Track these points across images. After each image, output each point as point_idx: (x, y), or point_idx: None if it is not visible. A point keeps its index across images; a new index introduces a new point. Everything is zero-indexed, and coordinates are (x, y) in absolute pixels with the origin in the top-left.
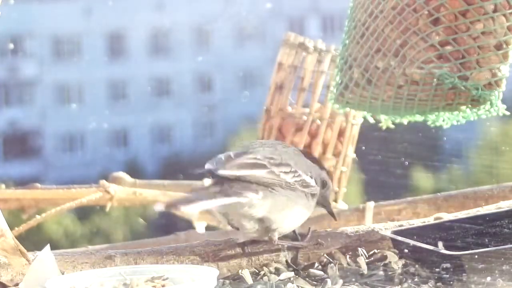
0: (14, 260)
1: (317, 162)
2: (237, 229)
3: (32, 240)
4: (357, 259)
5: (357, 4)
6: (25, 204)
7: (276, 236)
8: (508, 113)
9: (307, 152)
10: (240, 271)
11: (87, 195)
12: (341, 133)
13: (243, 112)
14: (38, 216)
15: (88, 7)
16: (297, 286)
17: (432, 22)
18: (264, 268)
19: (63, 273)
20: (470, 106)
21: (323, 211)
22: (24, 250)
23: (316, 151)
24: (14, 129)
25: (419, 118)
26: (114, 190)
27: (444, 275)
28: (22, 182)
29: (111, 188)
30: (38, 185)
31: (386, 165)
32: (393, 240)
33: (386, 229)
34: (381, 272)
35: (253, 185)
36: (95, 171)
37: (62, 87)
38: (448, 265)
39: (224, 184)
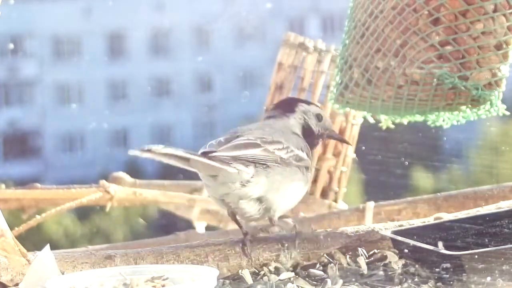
0: (14, 260)
1: (302, 100)
2: (236, 219)
3: (32, 240)
4: (357, 259)
5: (357, 4)
6: (25, 204)
7: (276, 216)
8: (508, 113)
9: (287, 99)
10: (240, 271)
11: (87, 195)
12: (341, 133)
13: (243, 112)
14: (38, 216)
15: (88, 7)
16: (297, 286)
17: (432, 22)
18: (264, 268)
19: (63, 273)
20: (470, 106)
21: (323, 211)
22: (24, 250)
23: (316, 151)
24: (14, 129)
25: (419, 118)
26: (114, 190)
27: (444, 275)
28: (22, 182)
29: (111, 188)
30: (38, 185)
31: (386, 165)
32: (393, 240)
33: (386, 229)
34: (381, 272)
35: (244, 162)
36: (95, 171)
37: (62, 87)
38: (448, 265)
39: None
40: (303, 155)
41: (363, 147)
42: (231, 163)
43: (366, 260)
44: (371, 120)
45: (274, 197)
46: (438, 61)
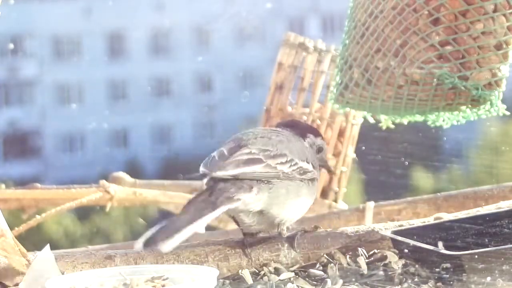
0: (14, 260)
1: (311, 130)
2: (236, 221)
3: (32, 240)
4: (357, 259)
5: (357, 4)
6: (25, 204)
7: (285, 229)
8: (508, 113)
9: (298, 122)
10: (240, 271)
11: (87, 195)
12: (341, 133)
13: (243, 112)
14: (38, 216)
15: (88, 7)
16: (297, 286)
17: (432, 22)
18: (264, 268)
19: (63, 273)
20: (470, 106)
21: (323, 211)
22: (24, 250)
23: None
24: (14, 129)
25: (419, 118)
26: (114, 190)
27: (444, 275)
28: (22, 182)
29: (111, 188)
30: (38, 185)
31: (386, 165)
32: (393, 240)
33: (386, 229)
34: (381, 272)
35: (246, 182)
36: (95, 171)
37: (62, 87)
38: (448, 265)
39: (215, 190)
40: (308, 166)
41: (363, 147)
42: (232, 197)
43: (366, 260)
44: (371, 120)
45: (279, 211)
46: (438, 61)
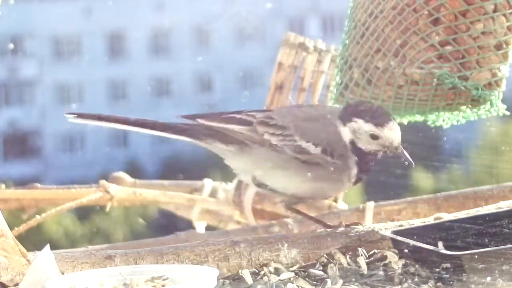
0: (14, 260)
1: (367, 114)
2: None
3: (32, 240)
4: (357, 259)
5: (357, 4)
6: (25, 204)
7: (282, 203)
8: (508, 113)
9: (357, 105)
10: (240, 271)
11: (87, 195)
12: None
13: None
14: (38, 216)
15: (88, 7)
16: (297, 286)
17: (432, 22)
18: (264, 268)
19: (63, 273)
20: (470, 106)
21: (323, 211)
22: (24, 250)
23: None
24: (14, 129)
25: (419, 118)
26: (114, 190)
27: (444, 275)
28: (22, 182)
29: (111, 188)
30: (38, 185)
31: (386, 165)
32: (393, 240)
33: (386, 229)
34: (381, 272)
35: (229, 138)
36: (95, 171)
37: (62, 87)
38: (448, 265)
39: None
40: (311, 148)
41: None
42: (205, 139)
43: (366, 260)
44: None
45: (265, 179)
46: (438, 61)
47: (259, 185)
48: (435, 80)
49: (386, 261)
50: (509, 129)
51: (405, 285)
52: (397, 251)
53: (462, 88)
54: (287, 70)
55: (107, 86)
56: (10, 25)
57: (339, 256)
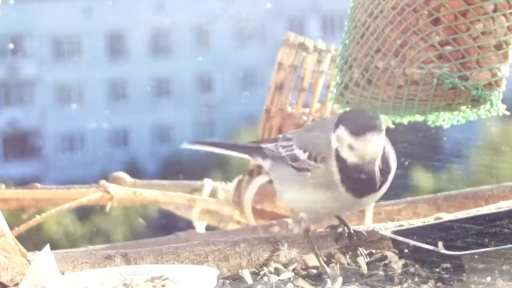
0: (14, 260)
1: (349, 123)
2: None
3: (32, 240)
4: (357, 259)
5: (357, 4)
6: (25, 204)
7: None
8: (508, 113)
9: (353, 113)
10: (240, 271)
11: (87, 195)
12: None
13: (243, 112)
14: (38, 216)
15: (88, 7)
16: (297, 286)
17: (432, 22)
18: (264, 268)
19: (63, 273)
20: (470, 106)
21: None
22: (24, 250)
23: None
24: (14, 129)
25: (419, 118)
26: (114, 190)
27: (444, 275)
28: (22, 182)
29: (111, 188)
30: (38, 185)
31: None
32: (393, 240)
33: (386, 229)
34: (381, 272)
35: (265, 154)
36: (95, 171)
37: (62, 87)
38: (448, 265)
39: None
40: (300, 154)
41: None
42: (252, 154)
43: (366, 260)
44: None
45: (278, 192)
46: (438, 61)
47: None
48: (435, 80)
49: (386, 261)
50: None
51: (405, 285)
52: (397, 251)
53: (462, 88)
54: (287, 70)
55: (107, 86)
56: (10, 25)
57: (339, 256)
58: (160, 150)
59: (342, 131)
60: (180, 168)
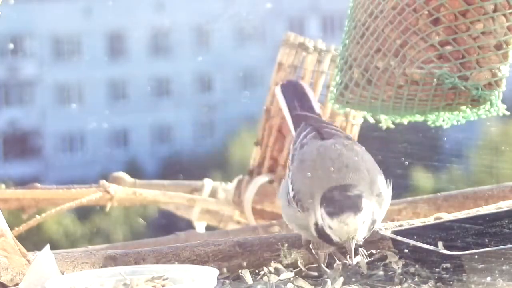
0: (14, 260)
1: (333, 207)
2: None
3: (32, 240)
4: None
5: (357, 4)
6: (25, 204)
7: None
8: (508, 113)
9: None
10: (240, 271)
11: (87, 195)
12: None
13: (243, 112)
14: (38, 216)
15: (88, 7)
16: (297, 286)
17: (432, 22)
18: (264, 268)
19: (63, 273)
20: (470, 106)
21: None
22: (24, 250)
23: None
24: (14, 129)
25: (419, 118)
26: (114, 190)
27: (444, 275)
28: (22, 182)
29: (111, 188)
30: (38, 185)
31: (386, 165)
32: (393, 240)
33: (386, 229)
34: (381, 272)
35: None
36: (95, 171)
37: (62, 87)
38: (448, 265)
39: None
40: (290, 191)
41: (363, 147)
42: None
43: (366, 260)
44: (371, 120)
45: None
46: (438, 61)
47: None
48: (435, 80)
49: (386, 261)
50: (509, 129)
51: (405, 285)
52: (397, 251)
53: (462, 88)
54: (287, 70)
55: (107, 86)
56: (10, 25)
57: (339, 256)
58: (160, 150)
59: (322, 212)
60: (180, 168)
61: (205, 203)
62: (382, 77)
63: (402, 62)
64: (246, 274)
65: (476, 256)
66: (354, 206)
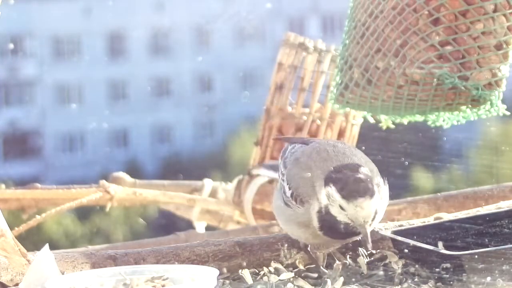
0: (14, 260)
1: (342, 186)
2: None
3: (32, 240)
4: (357, 259)
5: (357, 4)
6: (25, 204)
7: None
8: (508, 113)
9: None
10: (240, 271)
11: (87, 195)
12: (341, 133)
13: (243, 112)
14: (38, 216)
15: (88, 7)
16: (297, 286)
17: (432, 22)
18: (264, 268)
19: (63, 273)
20: (470, 106)
21: None
22: (24, 250)
23: None
24: (14, 129)
25: (419, 118)
26: (114, 190)
27: (444, 275)
28: (22, 182)
29: (111, 188)
30: (38, 185)
31: (386, 165)
32: (393, 240)
33: (386, 229)
34: (381, 272)
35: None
36: (95, 171)
37: (62, 87)
38: (448, 265)
39: None
40: (287, 190)
41: (363, 147)
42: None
43: (366, 260)
44: (371, 120)
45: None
46: (438, 61)
47: None
48: (435, 80)
49: (386, 261)
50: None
51: (405, 285)
52: (397, 251)
53: (462, 88)
54: (287, 70)
55: (107, 86)
56: (10, 25)
57: (339, 256)
58: (160, 150)
59: (332, 191)
60: (180, 168)
61: (205, 203)
62: (382, 77)
63: (402, 62)
64: (246, 274)
65: (476, 256)
66: (368, 190)
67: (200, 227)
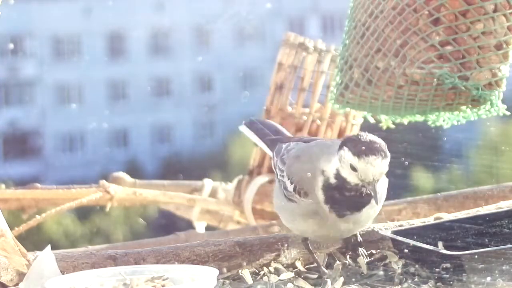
0: (14, 260)
1: (356, 144)
2: None
3: (32, 240)
4: (357, 259)
5: (357, 4)
6: (25, 204)
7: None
8: (508, 113)
9: (356, 137)
10: (240, 271)
11: (87, 195)
12: (341, 133)
13: (243, 112)
14: (38, 216)
15: (88, 7)
16: (297, 286)
17: (432, 22)
18: (264, 268)
19: (63, 273)
20: (470, 106)
21: None
22: (24, 250)
23: None
24: (14, 129)
25: (419, 118)
26: (114, 190)
27: (444, 275)
28: (22, 182)
29: (111, 188)
30: (38, 185)
31: None
32: (393, 240)
33: (386, 229)
34: (381, 272)
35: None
36: (95, 171)
37: (62, 87)
38: (448, 265)
39: None
40: (289, 185)
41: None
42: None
43: (366, 260)
44: (371, 120)
45: (275, 207)
46: (438, 61)
47: None
48: (435, 80)
49: (386, 261)
50: (509, 129)
51: (405, 285)
52: (397, 251)
53: (462, 88)
54: (287, 70)
55: (107, 86)
56: (10, 25)
57: (339, 256)
58: (160, 150)
59: (345, 152)
60: (180, 168)
61: (205, 203)
62: (382, 77)
63: (403, 62)
64: (246, 274)
65: (476, 256)
66: (381, 150)
67: (200, 227)
